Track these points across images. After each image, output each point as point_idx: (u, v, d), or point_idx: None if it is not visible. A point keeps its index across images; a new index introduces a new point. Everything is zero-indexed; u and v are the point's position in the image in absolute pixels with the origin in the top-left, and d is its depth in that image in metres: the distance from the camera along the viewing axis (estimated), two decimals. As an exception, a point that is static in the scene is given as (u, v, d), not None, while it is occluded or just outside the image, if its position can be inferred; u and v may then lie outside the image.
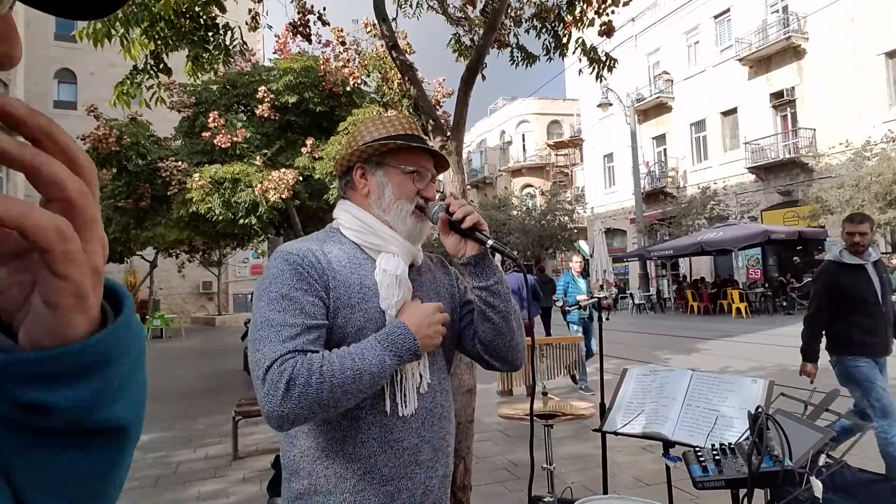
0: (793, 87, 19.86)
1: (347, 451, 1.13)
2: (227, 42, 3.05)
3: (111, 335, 0.38)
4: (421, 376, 1.20)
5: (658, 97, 25.36)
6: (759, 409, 1.58)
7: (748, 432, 1.70)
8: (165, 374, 11.07)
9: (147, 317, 19.16)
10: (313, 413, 1.04)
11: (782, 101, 20.35)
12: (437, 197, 1.31)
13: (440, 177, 1.48)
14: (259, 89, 7.34)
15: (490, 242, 1.21)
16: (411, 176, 1.26)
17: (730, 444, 1.68)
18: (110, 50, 2.98)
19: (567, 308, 7.08)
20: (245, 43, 3.18)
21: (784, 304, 17.27)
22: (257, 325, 1.10)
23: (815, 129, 19.07)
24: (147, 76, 2.87)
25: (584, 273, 7.41)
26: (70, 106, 26.13)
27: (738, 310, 16.91)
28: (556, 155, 37.76)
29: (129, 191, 7.74)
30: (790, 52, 19.76)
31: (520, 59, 4.50)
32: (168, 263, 17.99)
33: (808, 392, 2.31)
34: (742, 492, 1.58)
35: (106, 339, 0.38)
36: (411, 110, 7.24)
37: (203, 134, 7.30)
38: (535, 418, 2.49)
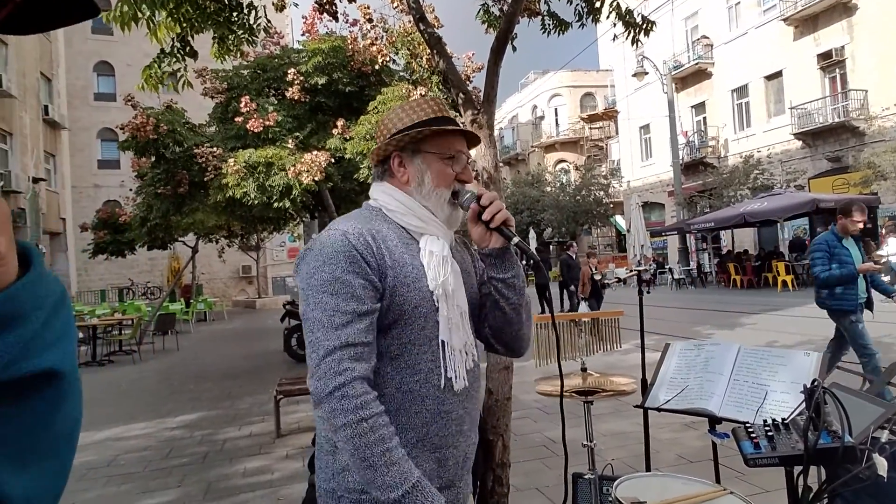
0: (842, 47, 18.78)
1: (402, 421, 1.17)
2: (252, 21, 3.03)
3: (24, 287, 0.41)
4: (467, 354, 1.27)
5: (697, 63, 24.40)
6: (816, 383, 1.49)
7: (802, 407, 1.61)
8: (211, 355, 11.43)
9: (192, 301, 19.78)
10: (327, 426, 1.09)
11: (831, 62, 19.28)
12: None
13: (472, 153, 1.50)
14: (289, 72, 7.34)
15: (515, 240, 1.27)
16: (449, 162, 1.29)
17: (783, 419, 1.59)
18: (145, 41, 2.99)
19: (831, 285, 4.59)
20: (269, 21, 3.14)
21: (833, 275, 16.57)
22: (311, 306, 1.13)
23: (866, 91, 18.04)
24: (174, 59, 2.88)
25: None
26: (110, 98, 26.87)
27: (784, 283, 16.33)
28: (590, 128, 36.93)
29: (168, 178, 7.89)
30: (839, 9, 18.64)
31: (551, 27, 4.35)
32: (209, 249, 18.48)
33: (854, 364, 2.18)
34: (797, 469, 1.49)
35: (20, 292, 0.41)
36: (440, 87, 7.15)
37: (236, 119, 7.37)
38: (574, 395, 2.44)
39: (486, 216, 1.26)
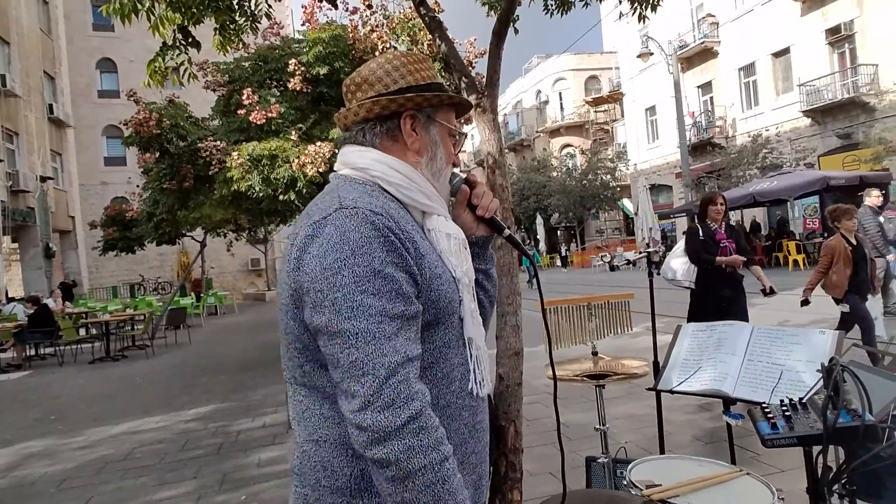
0: (851, 21, 18.43)
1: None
2: (253, 7, 2.99)
3: None
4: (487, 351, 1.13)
5: (703, 42, 24.08)
6: (834, 361, 1.46)
7: (819, 386, 1.58)
8: (222, 348, 11.51)
9: (202, 295, 19.90)
10: (394, 469, 0.84)
11: (839, 37, 18.94)
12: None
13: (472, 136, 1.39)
14: (290, 62, 7.28)
15: (507, 232, 1.18)
16: (454, 139, 1.14)
17: (800, 398, 1.56)
18: (148, 37, 2.97)
19: None
20: (270, 6, 3.11)
21: (845, 253, 16.39)
22: (344, 313, 0.87)
23: (876, 65, 17.75)
24: (177, 52, 2.86)
25: None
26: (113, 95, 26.86)
27: (796, 262, 16.18)
28: (596, 112, 36.61)
29: (173, 172, 7.90)
30: (848, -18, 18.30)
31: (554, 7, 4.27)
32: (217, 243, 18.54)
33: (884, 343, 2.15)
34: (815, 449, 1.47)
35: None
36: (442, 72, 7.07)
37: (238, 112, 7.33)
38: (586, 379, 2.42)
39: (479, 212, 1.16)
